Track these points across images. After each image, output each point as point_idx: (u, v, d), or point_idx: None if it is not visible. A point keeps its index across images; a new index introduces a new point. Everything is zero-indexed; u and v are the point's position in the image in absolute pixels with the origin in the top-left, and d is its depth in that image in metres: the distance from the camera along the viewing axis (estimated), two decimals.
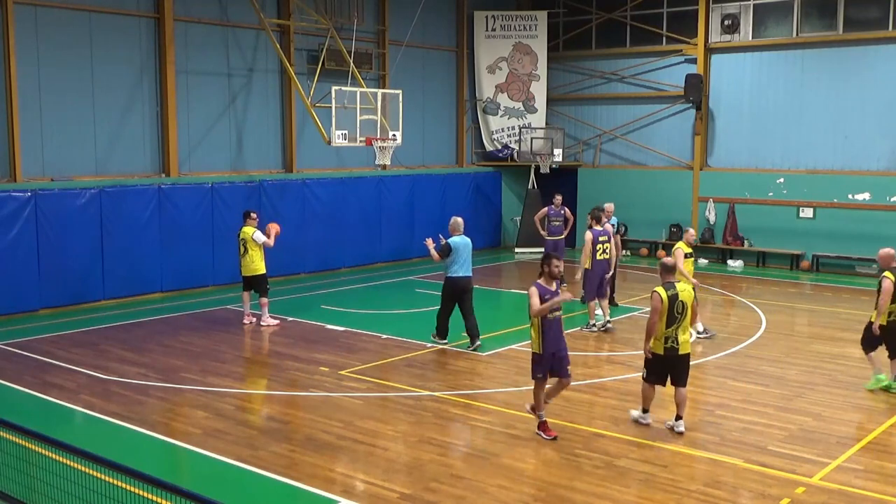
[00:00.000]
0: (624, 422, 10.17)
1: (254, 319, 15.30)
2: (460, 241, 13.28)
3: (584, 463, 8.88)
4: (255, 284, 15.16)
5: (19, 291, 15.72)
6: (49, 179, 16.60)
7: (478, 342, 13.42)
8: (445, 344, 13.72)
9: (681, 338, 9.63)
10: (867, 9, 21.21)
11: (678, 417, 9.82)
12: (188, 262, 18.22)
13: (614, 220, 16.52)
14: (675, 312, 9.53)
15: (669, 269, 9.85)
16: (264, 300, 15.17)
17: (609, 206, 16.30)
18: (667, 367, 9.72)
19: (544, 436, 9.56)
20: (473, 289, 13.68)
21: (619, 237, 16.41)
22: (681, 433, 9.71)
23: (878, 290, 11.34)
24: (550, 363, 9.60)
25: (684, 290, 9.66)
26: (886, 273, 11.22)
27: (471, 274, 13.53)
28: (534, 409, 9.83)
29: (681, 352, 9.65)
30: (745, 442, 9.57)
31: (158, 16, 18.12)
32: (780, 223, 22.35)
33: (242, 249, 15.04)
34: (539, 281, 9.65)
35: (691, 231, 14.19)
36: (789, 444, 9.46)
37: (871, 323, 11.40)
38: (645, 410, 10.03)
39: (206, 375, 12.08)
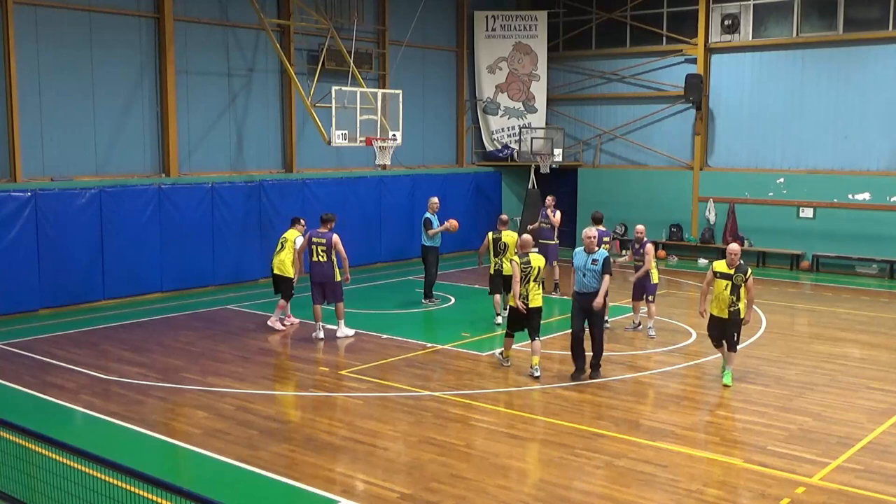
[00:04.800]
0: (624, 422, 10.18)
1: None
2: (433, 217, 17.43)
3: (584, 463, 8.88)
4: (281, 285, 15.00)
5: (19, 291, 15.70)
6: (49, 179, 16.60)
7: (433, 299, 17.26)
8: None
9: (531, 294, 12.11)
10: (867, 9, 21.20)
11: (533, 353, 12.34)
12: (188, 262, 18.21)
13: (601, 253, 11.97)
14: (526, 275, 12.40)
15: (527, 244, 12.55)
16: (283, 302, 15.04)
17: (589, 231, 12.12)
18: (521, 318, 12.21)
19: None
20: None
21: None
22: (537, 378, 11.86)
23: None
24: None
25: (536, 258, 12.26)
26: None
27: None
28: None
29: (531, 305, 12.12)
30: (745, 442, 9.58)
31: (158, 16, 18.11)
32: (780, 223, 22.34)
33: (279, 247, 15.00)
34: None
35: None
36: (789, 444, 9.46)
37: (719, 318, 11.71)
38: (502, 354, 12.79)
39: (206, 375, 12.07)
